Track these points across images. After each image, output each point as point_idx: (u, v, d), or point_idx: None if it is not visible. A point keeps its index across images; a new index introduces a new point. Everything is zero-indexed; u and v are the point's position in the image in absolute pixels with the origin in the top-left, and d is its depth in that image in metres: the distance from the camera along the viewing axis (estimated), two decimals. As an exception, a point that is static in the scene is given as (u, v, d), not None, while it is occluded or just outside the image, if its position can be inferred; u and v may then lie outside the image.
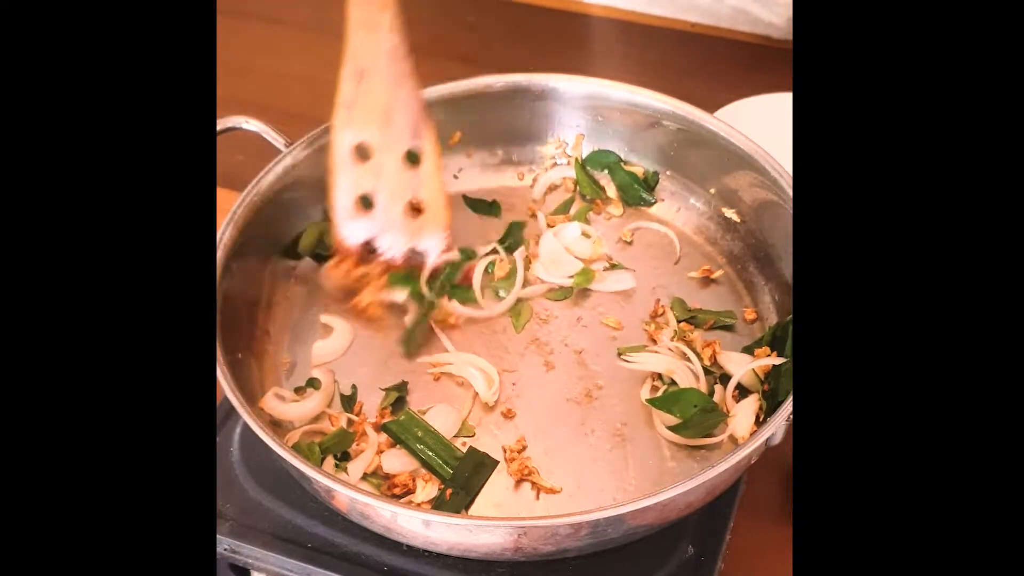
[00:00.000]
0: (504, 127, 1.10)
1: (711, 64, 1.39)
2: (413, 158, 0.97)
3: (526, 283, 1.02)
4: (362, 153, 0.97)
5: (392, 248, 0.98)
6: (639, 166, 1.10)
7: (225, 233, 0.93)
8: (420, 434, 0.89)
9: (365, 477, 0.88)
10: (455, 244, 1.01)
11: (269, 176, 0.99)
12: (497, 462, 0.89)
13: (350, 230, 0.97)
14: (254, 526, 0.87)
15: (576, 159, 1.11)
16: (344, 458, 0.90)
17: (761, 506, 0.91)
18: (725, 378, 0.93)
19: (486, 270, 1.02)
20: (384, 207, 0.97)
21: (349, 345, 0.99)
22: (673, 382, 0.93)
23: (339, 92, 0.96)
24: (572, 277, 1.02)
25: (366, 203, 0.97)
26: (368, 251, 0.98)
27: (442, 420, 0.91)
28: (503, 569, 0.83)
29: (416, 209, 0.98)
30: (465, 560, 0.83)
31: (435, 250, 0.99)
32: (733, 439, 0.89)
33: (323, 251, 1.02)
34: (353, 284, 0.99)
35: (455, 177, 1.11)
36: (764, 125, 1.07)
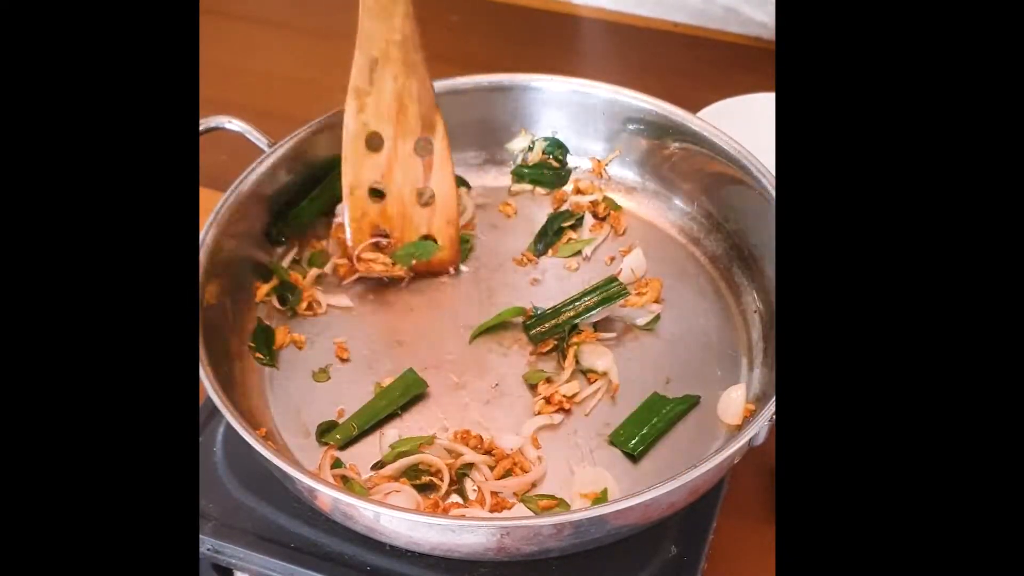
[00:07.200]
0: (487, 127, 1.10)
1: (696, 64, 1.39)
2: (423, 148, 0.99)
3: None
4: (373, 143, 0.99)
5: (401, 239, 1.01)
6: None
7: (208, 233, 0.93)
8: None
9: None
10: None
11: (252, 176, 0.99)
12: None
13: (361, 221, 1.00)
14: (237, 526, 0.86)
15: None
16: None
17: (744, 506, 0.91)
18: None
19: None
20: (395, 197, 1.00)
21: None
22: None
23: (352, 78, 0.97)
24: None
25: (378, 193, 1.00)
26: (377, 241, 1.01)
27: None
28: (486, 569, 0.83)
29: (426, 202, 1.01)
30: (448, 560, 0.83)
31: None
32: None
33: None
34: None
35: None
36: (747, 125, 1.07)
